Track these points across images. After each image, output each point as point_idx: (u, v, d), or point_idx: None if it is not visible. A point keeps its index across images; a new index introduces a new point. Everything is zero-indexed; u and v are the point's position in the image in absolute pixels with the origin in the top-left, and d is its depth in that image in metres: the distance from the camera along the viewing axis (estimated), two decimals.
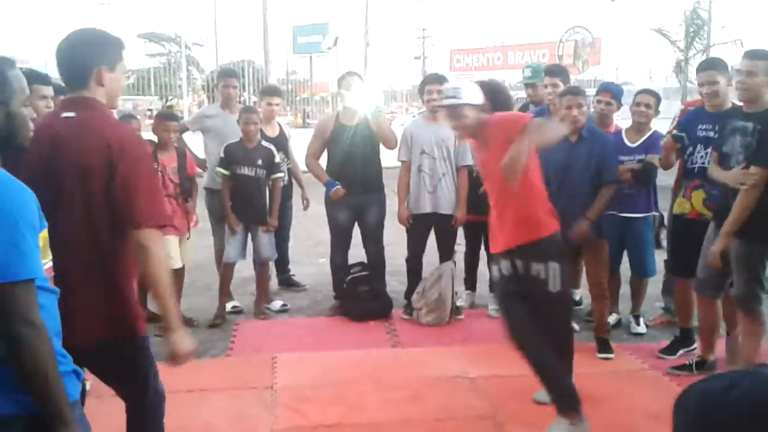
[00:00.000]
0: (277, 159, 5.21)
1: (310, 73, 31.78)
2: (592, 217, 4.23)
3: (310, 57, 31.03)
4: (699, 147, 4.13)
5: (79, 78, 2.22)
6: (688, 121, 4.34)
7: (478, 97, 3.41)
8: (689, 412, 0.85)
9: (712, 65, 4.16)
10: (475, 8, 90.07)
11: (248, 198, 5.08)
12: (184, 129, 5.53)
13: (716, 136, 3.93)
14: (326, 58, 32.16)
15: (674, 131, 4.40)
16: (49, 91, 3.53)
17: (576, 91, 4.45)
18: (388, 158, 5.35)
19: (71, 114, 2.23)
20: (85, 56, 2.24)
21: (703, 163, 4.07)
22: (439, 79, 5.19)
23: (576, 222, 4.15)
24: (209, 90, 22.27)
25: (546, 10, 72.44)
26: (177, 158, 4.88)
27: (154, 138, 4.94)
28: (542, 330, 3.37)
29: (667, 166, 4.53)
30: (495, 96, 5.25)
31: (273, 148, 5.19)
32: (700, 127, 4.16)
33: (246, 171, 5.04)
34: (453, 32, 59.17)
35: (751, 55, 3.58)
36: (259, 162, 5.06)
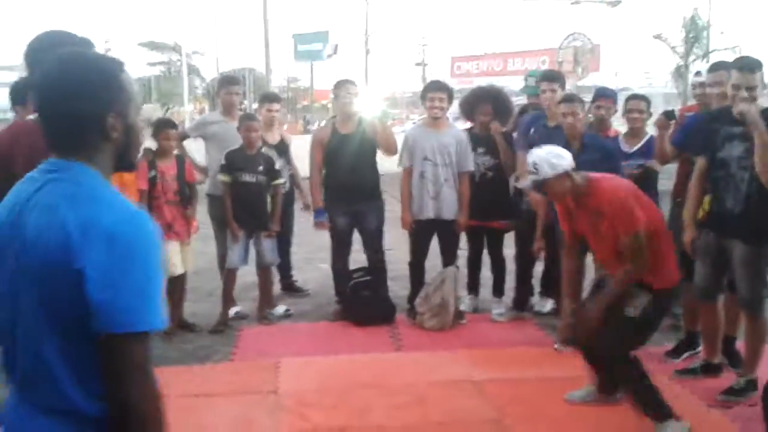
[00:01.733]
0: (278, 165, 5.22)
1: (311, 80, 31.86)
2: None
3: (311, 65, 31.09)
4: None
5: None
6: (694, 122, 4.28)
7: (559, 165, 3.28)
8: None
9: (721, 66, 4.13)
10: (475, 15, 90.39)
11: (250, 204, 5.08)
12: (185, 136, 5.55)
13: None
14: (327, 65, 32.32)
15: (667, 110, 4.41)
16: None
17: (571, 99, 4.54)
18: (386, 164, 5.35)
19: None
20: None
21: None
22: (441, 87, 5.21)
23: None
24: (210, 98, 22.35)
25: (545, 17, 72.69)
26: (176, 165, 4.90)
27: (153, 146, 4.97)
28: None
29: (662, 158, 4.43)
30: (496, 102, 5.32)
31: (273, 154, 5.21)
32: None
33: (247, 177, 5.05)
34: (453, 39, 59.15)
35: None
36: (260, 168, 5.07)
